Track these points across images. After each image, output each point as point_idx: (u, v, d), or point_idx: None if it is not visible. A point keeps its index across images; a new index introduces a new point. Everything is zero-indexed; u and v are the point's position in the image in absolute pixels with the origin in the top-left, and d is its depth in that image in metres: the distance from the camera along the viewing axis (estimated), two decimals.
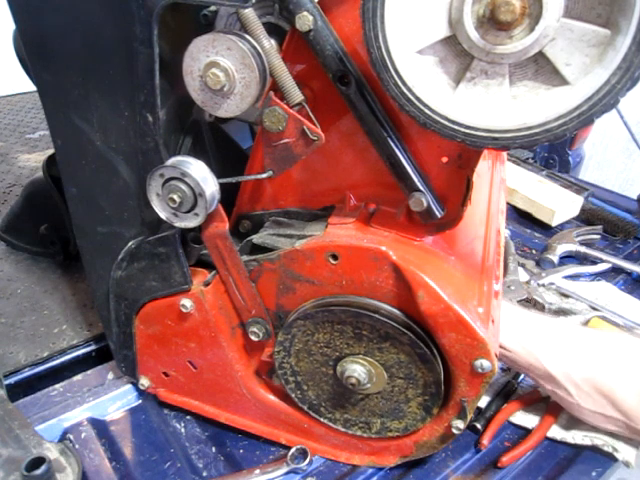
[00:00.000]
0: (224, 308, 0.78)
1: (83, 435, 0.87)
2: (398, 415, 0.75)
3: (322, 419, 0.80)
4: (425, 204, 0.66)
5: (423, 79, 0.54)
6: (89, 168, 0.73)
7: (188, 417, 0.92)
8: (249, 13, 0.61)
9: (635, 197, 1.52)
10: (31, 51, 0.68)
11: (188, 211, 0.67)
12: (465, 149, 0.64)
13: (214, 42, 0.60)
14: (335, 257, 0.68)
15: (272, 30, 0.68)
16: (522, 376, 0.97)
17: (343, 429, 0.80)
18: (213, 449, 0.87)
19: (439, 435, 0.76)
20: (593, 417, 0.81)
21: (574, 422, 0.87)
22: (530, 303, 1.13)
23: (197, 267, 0.81)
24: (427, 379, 0.70)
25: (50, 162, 1.21)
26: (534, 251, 1.35)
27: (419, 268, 0.65)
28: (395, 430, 0.76)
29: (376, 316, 0.68)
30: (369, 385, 0.73)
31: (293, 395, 0.80)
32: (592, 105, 0.49)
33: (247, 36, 0.61)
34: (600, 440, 0.84)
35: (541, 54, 0.50)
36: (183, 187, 0.65)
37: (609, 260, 1.27)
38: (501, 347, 0.80)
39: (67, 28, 0.64)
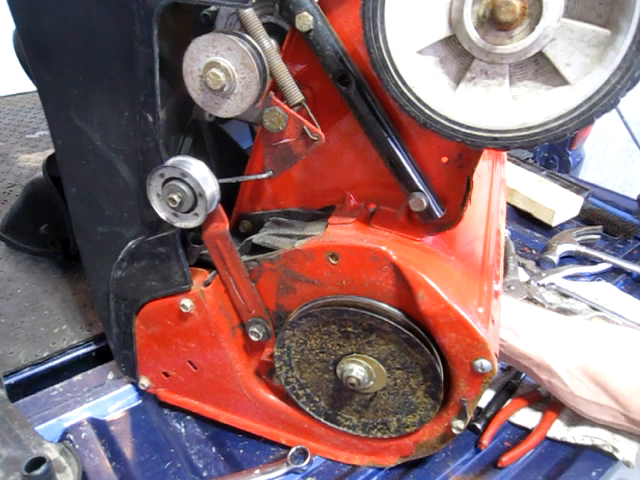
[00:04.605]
0: (224, 308, 0.78)
1: (83, 435, 0.87)
2: (410, 408, 0.75)
3: (341, 428, 0.80)
4: (425, 204, 0.66)
5: (423, 79, 0.54)
6: (89, 168, 0.73)
7: (188, 417, 0.92)
8: (249, 13, 0.61)
9: (635, 197, 1.52)
10: (31, 51, 0.68)
11: (188, 211, 0.67)
12: (465, 149, 0.64)
13: (214, 42, 0.60)
14: (335, 257, 0.68)
15: (272, 30, 0.68)
16: (522, 375, 0.97)
17: (364, 434, 0.80)
18: (213, 449, 0.87)
19: (439, 435, 0.76)
20: (588, 407, 0.81)
21: (574, 422, 0.87)
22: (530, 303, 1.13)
23: (197, 267, 0.81)
24: (422, 364, 0.70)
25: (50, 162, 1.21)
26: (534, 251, 1.35)
27: (419, 268, 0.65)
28: (412, 425, 0.76)
29: (352, 309, 0.69)
30: (371, 382, 0.73)
31: (307, 409, 0.80)
32: (592, 105, 0.49)
33: (247, 36, 0.61)
34: (600, 440, 0.84)
35: (541, 54, 0.50)
36: (183, 187, 0.65)
37: (609, 260, 1.27)
38: None
39: (67, 28, 0.64)
